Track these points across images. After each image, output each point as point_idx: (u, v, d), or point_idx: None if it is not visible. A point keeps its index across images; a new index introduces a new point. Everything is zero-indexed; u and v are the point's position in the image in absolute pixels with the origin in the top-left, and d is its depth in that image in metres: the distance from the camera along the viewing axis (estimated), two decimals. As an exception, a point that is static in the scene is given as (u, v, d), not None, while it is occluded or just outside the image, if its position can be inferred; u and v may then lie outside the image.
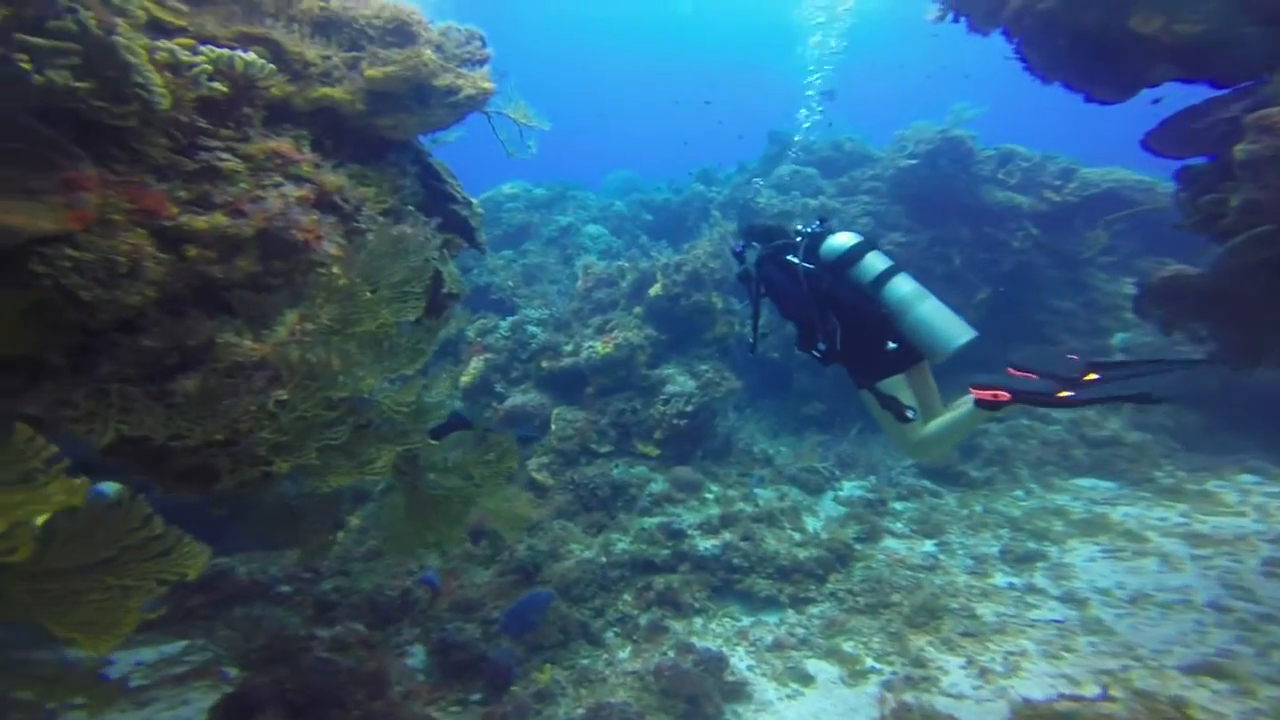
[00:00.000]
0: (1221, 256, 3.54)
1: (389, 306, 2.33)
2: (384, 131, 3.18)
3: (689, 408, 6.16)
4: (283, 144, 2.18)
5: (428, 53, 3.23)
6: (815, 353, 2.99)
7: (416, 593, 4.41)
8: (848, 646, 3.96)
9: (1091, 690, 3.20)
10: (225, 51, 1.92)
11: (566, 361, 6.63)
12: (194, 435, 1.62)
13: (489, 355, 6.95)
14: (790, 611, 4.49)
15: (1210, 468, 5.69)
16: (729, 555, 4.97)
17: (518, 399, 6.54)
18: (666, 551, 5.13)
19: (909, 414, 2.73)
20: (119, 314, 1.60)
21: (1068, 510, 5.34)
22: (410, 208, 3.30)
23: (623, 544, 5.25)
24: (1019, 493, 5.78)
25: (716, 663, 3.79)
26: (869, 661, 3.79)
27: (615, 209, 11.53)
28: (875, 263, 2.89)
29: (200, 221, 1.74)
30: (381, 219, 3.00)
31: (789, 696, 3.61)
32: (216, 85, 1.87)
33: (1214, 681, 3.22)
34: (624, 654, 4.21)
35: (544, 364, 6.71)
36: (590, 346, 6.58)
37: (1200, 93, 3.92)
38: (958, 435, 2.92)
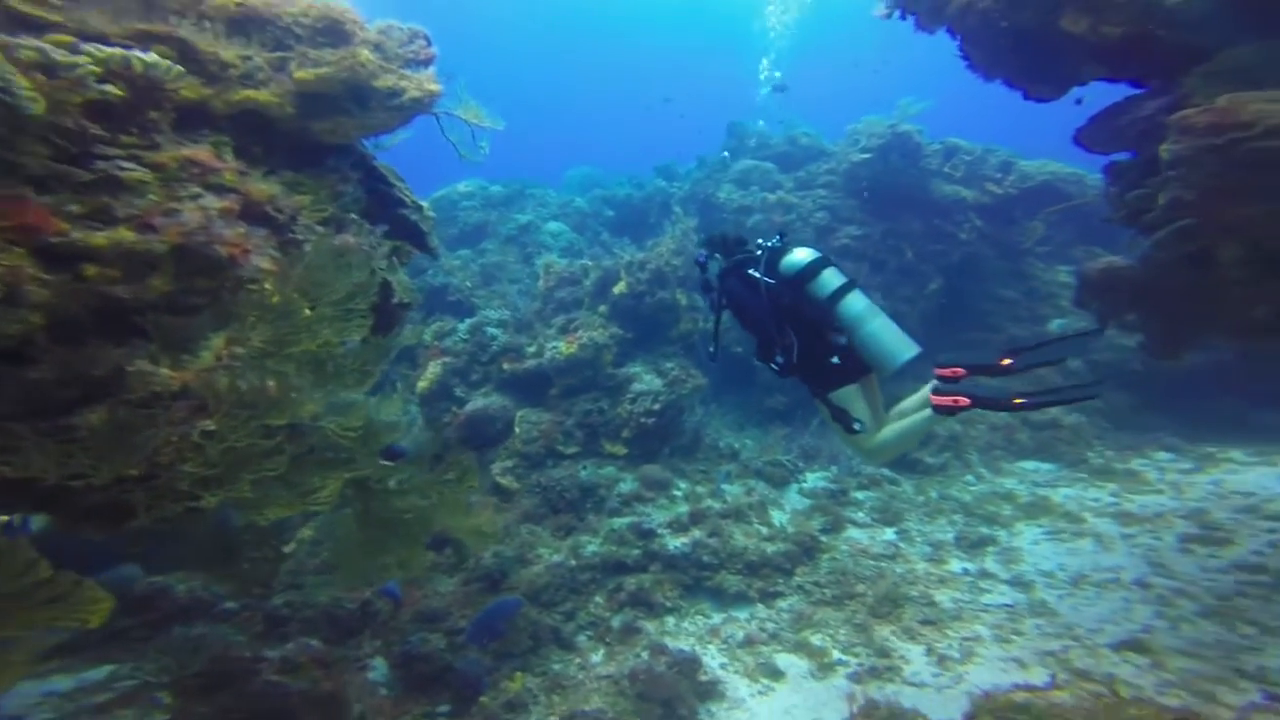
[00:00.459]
0: (1148, 250, 3.73)
1: (331, 325, 2.18)
2: (320, 136, 3.00)
3: (656, 406, 6.14)
4: (200, 151, 2.01)
5: (365, 53, 3.06)
6: (773, 365, 3.08)
7: (377, 604, 4.23)
8: (816, 639, 4.04)
9: (1040, 675, 3.38)
10: (118, 51, 1.73)
11: (530, 363, 6.50)
12: (100, 472, 1.47)
13: (447, 359, 6.73)
14: (760, 606, 4.55)
15: (1134, 446, 6.11)
16: (699, 553, 4.99)
17: (478, 402, 6.37)
18: (637, 551, 5.11)
19: (855, 426, 2.87)
20: (-1, 345, 1.42)
21: (1015, 494, 5.61)
22: (353, 215, 3.12)
23: (593, 546, 5.21)
24: (970, 478, 6.04)
25: (690, 664, 3.80)
26: (836, 654, 3.88)
27: (576, 205, 11.36)
28: (831, 279, 3.01)
29: (99, 238, 1.57)
30: (320, 229, 2.83)
31: (760, 693, 3.66)
32: (110, 88, 1.68)
33: (1136, 656, 3.46)
34: (597, 657, 4.18)
35: (506, 366, 6.56)
36: (554, 347, 6.47)
37: (1121, 91, 4.13)
38: (911, 441, 3.07)
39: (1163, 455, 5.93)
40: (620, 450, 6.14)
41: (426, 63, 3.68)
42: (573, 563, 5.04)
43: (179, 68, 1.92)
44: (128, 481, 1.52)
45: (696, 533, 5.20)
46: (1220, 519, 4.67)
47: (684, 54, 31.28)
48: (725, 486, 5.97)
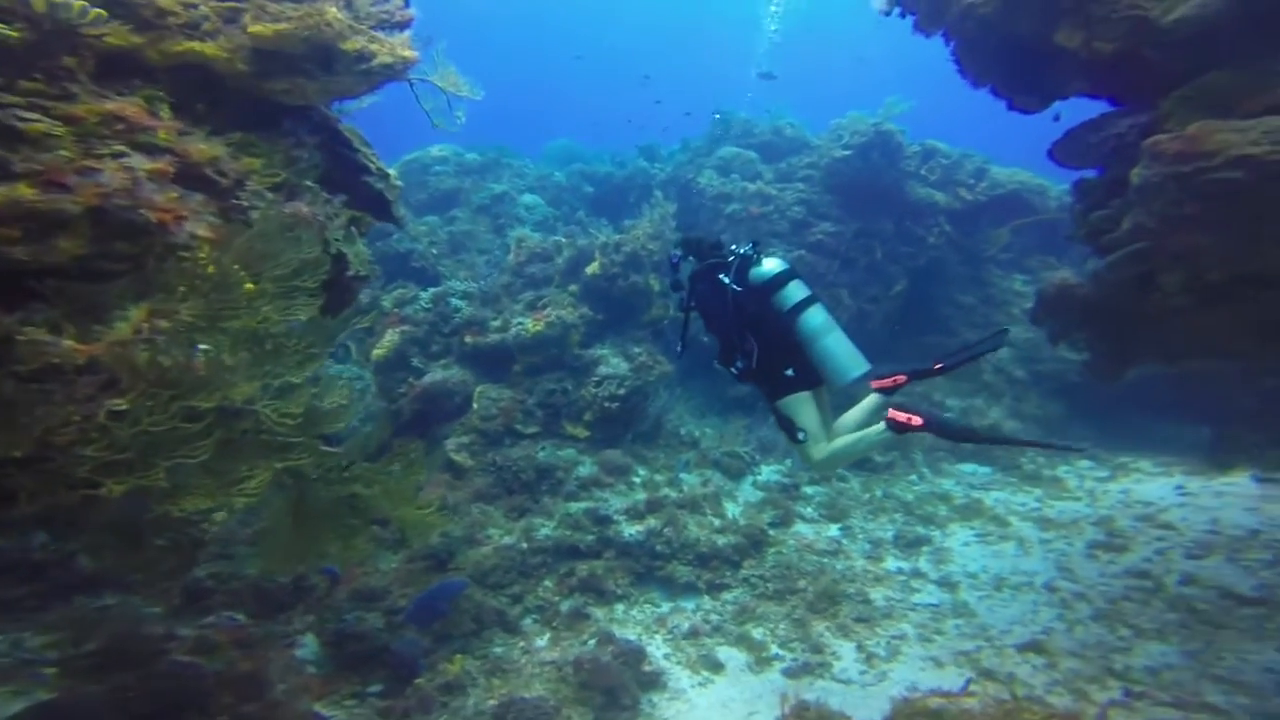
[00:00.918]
0: (1101, 270, 3.86)
1: (274, 301, 2.05)
2: (277, 96, 2.79)
3: (621, 390, 6.12)
4: (127, 106, 1.83)
5: (333, 11, 2.84)
6: (733, 369, 3.16)
7: (312, 579, 4.09)
8: (756, 633, 4.18)
9: (955, 674, 3.60)
10: (14, -14, 1.55)
11: (493, 338, 6.37)
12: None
13: (406, 328, 6.50)
14: (707, 598, 4.66)
15: (1060, 454, 6.42)
16: (652, 541, 5.05)
17: (437, 375, 6.22)
18: (592, 537, 5.13)
19: (799, 436, 2.99)
20: None
21: (951, 495, 5.89)
22: (309, 182, 2.93)
23: (546, 529, 5.21)
24: (913, 477, 6.30)
25: (635, 654, 3.87)
26: (774, 648, 4.02)
27: (554, 179, 11.03)
28: (795, 292, 3.10)
29: (-12, 194, 1.41)
30: (270, 196, 2.65)
31: (700, 684, 3.77)
32: (2, 28, 1.50)
33: (1035, 657, 3.72)
34: (542, 641, 4.21)
35: (468, 339, 6.40)
36: (520, 323, 6.35)
37: (1098, 109, 4.20)
38: (857, 455, 3.18)
39: (1084, 463, 6.31)
40: (582, 433, 6.12)
41: (403, 25, 3.44)
42: (524, 545, 5.04)
43: (98, 10, 1.73)
44: (9, 465, 1.40)
45: (652, 521, 5.25)
46: (1123, 526, 5.03)
47: (678, 31, 30.50)
48: (683, 476, 6.04)
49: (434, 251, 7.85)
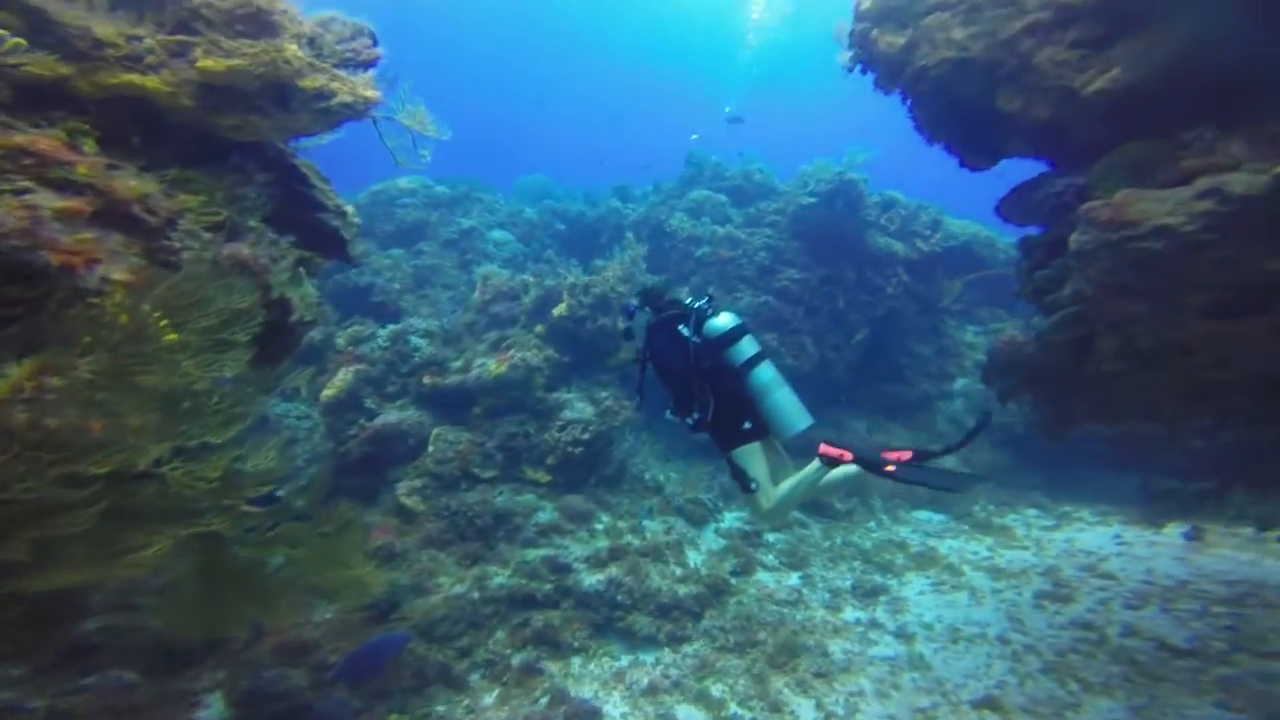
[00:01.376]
0: (1045, 331, 4.00)
1: (197, 356, 1.92)
2: (227, 132, 2.71)
3: (586, 435, 6.00)
4: (41, 139, 1.73)
5: (292, 49, 2.80)
6: (689, 421, 3.17)
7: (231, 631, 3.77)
8: (715, 690, 4.02)
9: None
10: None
11: (454, 379, 6.20)
12: None
13: (361, 367, 6.28)
14: (667, 650, 4.49)
15: (1009, 502, 6.65)
16: (613, 591, 4.88)
17: (391, 416, 5.99)
18: (549, 586, 4.92)
19: (751, 486, 3.05)
20: None
21: (908, 543, 5.91)
22: (254, 222, 2.82)
23: (500, 578, 4.98)
24: (872, 524, 6.31)
25: (589, 716, 3.66)
26: (733, 707, 3.87)
27: (525, 216, 11.04)
28: (748, 347, 3.18)
29: None
30: (208, 236, 2.53)
31: (656, 748, 3.57)
32: None
33: (990, 714, 3.69)
34: (489, 699, 3.97)
35: (427, 380, 6.21)
36: (482, 364, 6.21)
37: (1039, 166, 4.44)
38: (800, 498, 3.19)
39: (1031, 512, 6.47)
40: (543, 477, 5.95)
41: (368, 64, 3.41)
42: (476, 595, 4.79)
43: (17, 39, 1.64)
44: None
45: (614, 570, 5.08)
46: (1068, 576, 5.12)
47: (655, 72, 31.68)
48: (646, 523, 5.89)
49: (396, 286, 7.68)
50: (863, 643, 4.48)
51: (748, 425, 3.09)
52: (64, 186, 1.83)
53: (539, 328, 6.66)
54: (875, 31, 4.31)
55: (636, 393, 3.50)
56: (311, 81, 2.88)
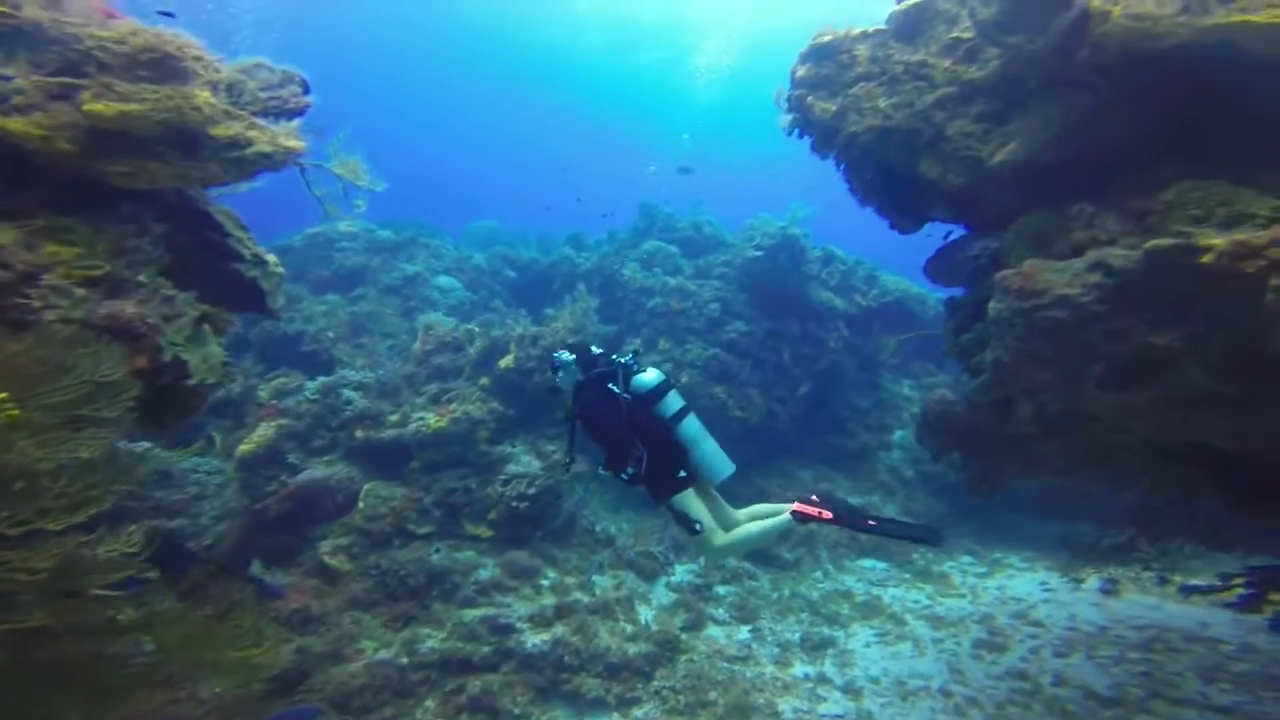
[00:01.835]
0: (970, 393, 4.29)
1: (41, 435, 1.69)
2: (116, 180, 2.55)
3: (531, 490, 5.86)
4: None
5: (204, 95, 2.71)
6: (623, 475, 3.25)
7: None
8: (662, 760, 3.89)
9: None
10: None
11: (389, 433, 5.95)
12: None
13: (284, 421, 5.91)
14: (616, 715, 4.35)
15: (946, 550, 6.93)
16: (559, 651, 4.69)
17: (316, 472, 5.63)
18: (488, 648, 4.69)
19: (696, 527, 3.19)
20: None
21: (853, 592, 6.04)
22: (145, 277, 2.59)
23: (433, 640, 4.70)
24: (818, 573, 6.41)
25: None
26: (679, 780, 3.74)
27: (474, 262, 10.86)
28: (674, 401, 3.36)
29: None
30: (81, 292, 2.28)
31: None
32: None
33: None
34: (411, 783, 3.66)
35: (359, 433, 5.92)
36: (421, 418, 6.00)
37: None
38: (754, 545, 3.44)
39: (966, 559, 6.77)
40: (484, 532, 5.73)
41: (296, 112, 3.30)
42: (404, 660, 4.49)
43: None
44: None
45: (560, 629, 4.90)
46: (1002, 624, 5.35)
47: (606, 121, 32.70)
48: (596, 578, 5.75)
49: (330, 335, 7.32)
50: (812, 699, 4.48)
51: (683, 474, 3.24)
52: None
53: (484, 380, 6.53)
54: (810, 98, 4.56)
55: (568, 453, 3.57)
56: (225, 129, 2.76)
